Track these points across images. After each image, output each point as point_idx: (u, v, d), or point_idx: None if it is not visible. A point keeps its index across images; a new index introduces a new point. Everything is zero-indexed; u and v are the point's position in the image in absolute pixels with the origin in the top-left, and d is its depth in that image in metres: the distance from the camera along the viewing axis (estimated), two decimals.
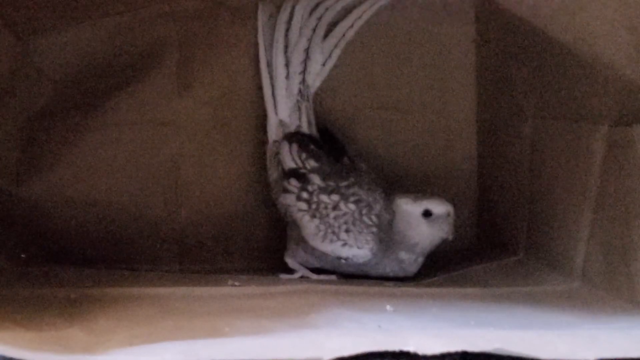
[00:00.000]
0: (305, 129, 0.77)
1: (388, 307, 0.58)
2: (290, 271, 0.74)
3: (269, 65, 0.78)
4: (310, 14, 0.79)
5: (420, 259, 0.72)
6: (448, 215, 0.70)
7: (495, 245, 0.76)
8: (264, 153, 0.79)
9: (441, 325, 0.53)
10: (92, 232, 0.78)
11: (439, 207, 0.70)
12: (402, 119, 0.82)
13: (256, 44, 0.79)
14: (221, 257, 0.80)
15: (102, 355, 0.44)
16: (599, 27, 0.55)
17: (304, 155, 0.75)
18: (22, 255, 0.72)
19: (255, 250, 0.81)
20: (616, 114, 0.59)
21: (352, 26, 0.80)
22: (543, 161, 0.70)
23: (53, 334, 0.48)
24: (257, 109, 0.80)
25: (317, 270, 0.74)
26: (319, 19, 0.79)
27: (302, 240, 0.73)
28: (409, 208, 0.70)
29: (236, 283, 0.66)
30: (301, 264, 0.74)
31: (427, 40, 0.82)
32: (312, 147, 0.76)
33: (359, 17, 0.80)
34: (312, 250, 0.73)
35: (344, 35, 0.80)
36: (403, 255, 0.71)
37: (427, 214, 0.70)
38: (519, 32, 0.70)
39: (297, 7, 0.78)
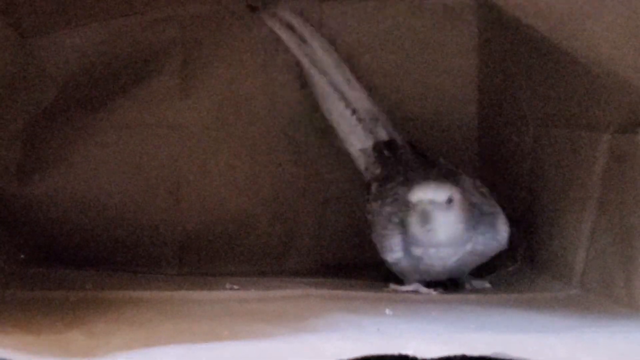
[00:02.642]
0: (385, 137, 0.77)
1: (387, 310, 0.58)
2: (400, 281, 0.71)
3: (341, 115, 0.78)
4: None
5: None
6: None
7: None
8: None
9: (440, 329, 0.53)
10: (92, 233, 0.78)
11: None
12: (403, 125, 0.81)
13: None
14: (222, 260, 0.80)
15: (101, 359, 0.44)
16: (604, 35, 0.55)
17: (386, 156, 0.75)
18: (22, 256, 0.72)
19: (256, 254, 0.81)
20: (619, 122, 0.59)
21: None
22: (544, 169, 0.70)
23: (52, 337, 0.48)
24: (260, 112, 0.80)
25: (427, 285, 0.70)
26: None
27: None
28: None
29: (235, 286, 0.66)
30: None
31: (429, 48, 0.81)
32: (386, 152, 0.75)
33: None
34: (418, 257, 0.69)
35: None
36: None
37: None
38: (522, 40, 0.70)
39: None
